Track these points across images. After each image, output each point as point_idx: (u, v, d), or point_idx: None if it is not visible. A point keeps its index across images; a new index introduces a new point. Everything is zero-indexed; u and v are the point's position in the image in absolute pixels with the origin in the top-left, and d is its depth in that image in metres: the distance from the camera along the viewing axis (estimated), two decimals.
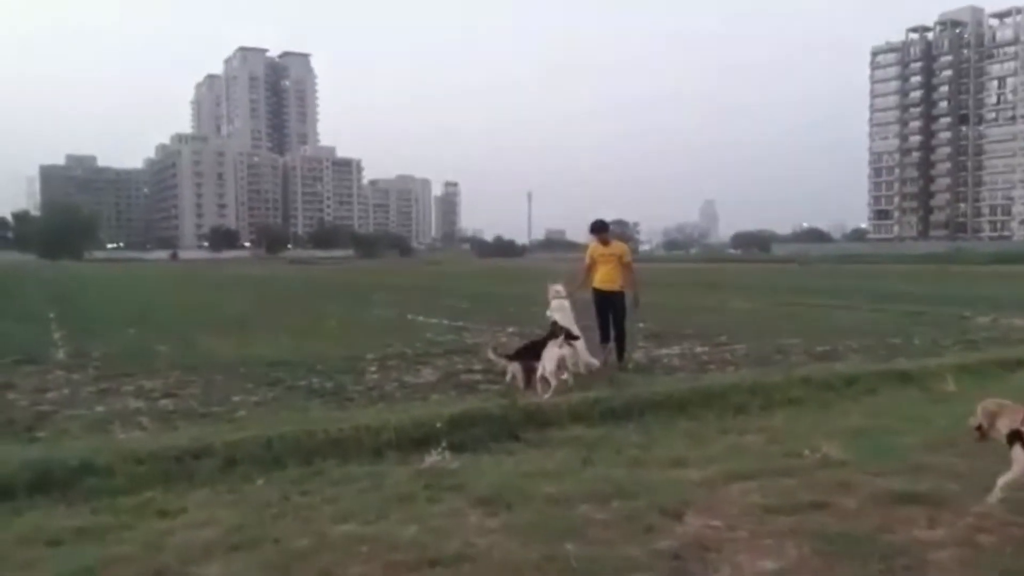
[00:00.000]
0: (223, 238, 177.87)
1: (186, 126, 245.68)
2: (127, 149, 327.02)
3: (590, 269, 10.78)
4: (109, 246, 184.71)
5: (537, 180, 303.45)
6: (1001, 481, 4.60)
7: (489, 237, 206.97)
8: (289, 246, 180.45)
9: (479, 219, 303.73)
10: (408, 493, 5.22)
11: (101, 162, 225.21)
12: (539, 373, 8.46)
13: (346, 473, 5.73)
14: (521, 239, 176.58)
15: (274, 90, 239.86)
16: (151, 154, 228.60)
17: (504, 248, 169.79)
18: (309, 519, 4.78)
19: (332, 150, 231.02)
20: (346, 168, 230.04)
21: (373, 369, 10.72)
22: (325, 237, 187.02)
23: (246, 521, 4.75)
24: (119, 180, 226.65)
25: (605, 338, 10.57)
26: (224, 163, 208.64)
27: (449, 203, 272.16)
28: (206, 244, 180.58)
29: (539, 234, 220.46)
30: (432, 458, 5.87)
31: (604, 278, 10.65)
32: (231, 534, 4.52)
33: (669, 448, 6.33)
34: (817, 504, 4.82)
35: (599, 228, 10.79)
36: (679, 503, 4.88)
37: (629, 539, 4.32)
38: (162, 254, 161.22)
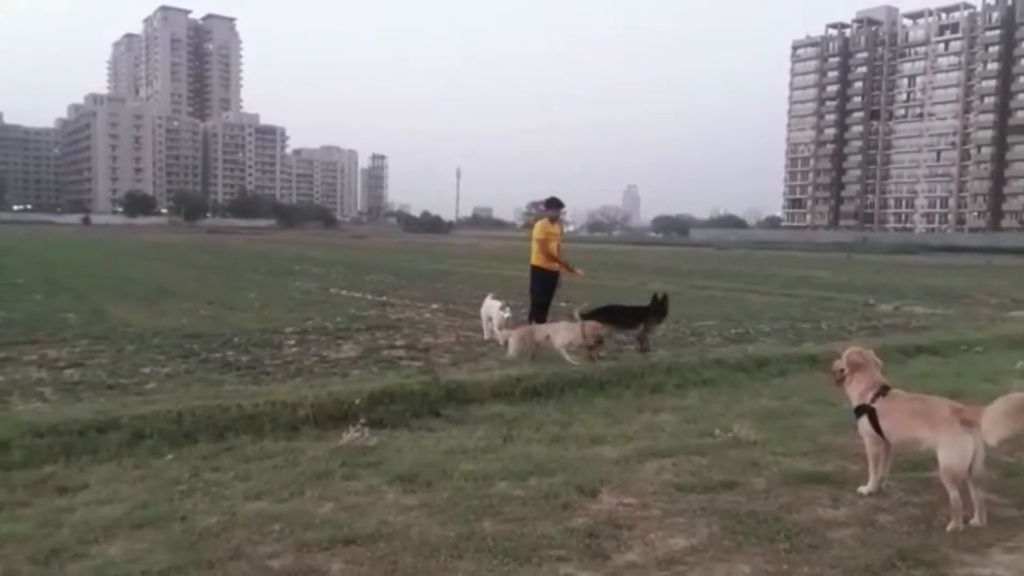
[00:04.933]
0: (139, 203, 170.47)
1: (102, 86, 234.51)
2: (37, 108, 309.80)
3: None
4: (16, 207, 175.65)
5: (466, 158, 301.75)
6: (871, 473, 4.81)
7: (416, 212, 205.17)
8: (208, 214, 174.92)
9: (406, 193, 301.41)
10: (324, 470, 5.13)
11: (8, 120, 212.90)
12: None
13: (260, 449, 5.60)
14: (448, 215, 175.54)
15: (196, 53, 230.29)
16: (63, 114, 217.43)
17: (431, 224, 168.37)
18: (220, 496, 4.65)
19: (255, 117, 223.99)
20: (270, 136, 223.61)
21: (292, 343, 10.50)
22: (246, 206, 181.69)
23: (153, 498, 4.59)
24: (28, 139, 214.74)
25: (537, 315, 10.45)
26: (142, 126, 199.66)
27: (376, 176, 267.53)
28: (120, 209, 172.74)
29: (467, 211, 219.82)
30: (350, 435, 5.78)
31: (552, 258, 10.48)
32: (136, 511, 4.36)
33: (587, 426, 6.42)
34: (727, 483, 4.96)
35: (558, 204, 10.72)
36: (595, 481, 4.95)
37: (545, 516, 4.35)
38: (74, 218, 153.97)
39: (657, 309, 9.96)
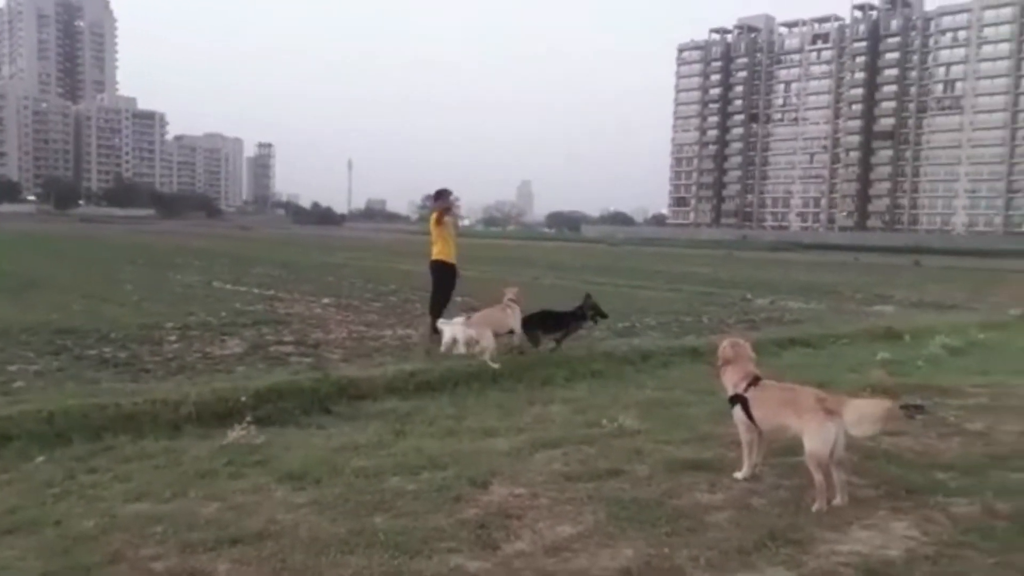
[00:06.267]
0: (2, 191, 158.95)
1: None
2: None
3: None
4: None
5: (358, 149, 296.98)
6: (745, 459, 5.10)
7: (306, 203, 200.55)
8: (81, 202, 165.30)
9: (295, 184, 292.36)
10: (209, 470, 4.99)
11: None
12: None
13: (140, 449, 5.39)
14: (340, 207, 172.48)
15: (67, 31, 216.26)
16: None
17: (322, 215, 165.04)
18: (97, 498, 4.47)
19: (133, 101, 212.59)
20: (148, 121, 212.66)
21: (173, 339, 10.11)
22: (123, 194, 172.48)
23: (22, 502, 4.37)
24: None
25: (439, 313, 9.79)
26: (5, 107, 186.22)
27: (262, 165, 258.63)
28: None
29: (360, 203, 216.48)
30: (236, 433, 5.64)
31: (454, 251, 10.20)
32: (4, 517, 4.14)
33: (480, 419, 6.50)
34: (613, 471, 5.14)
35: (447, 193, 10.37)
36: (487, 472, 5.03)
37: (436, 510, 4.40)
38: None
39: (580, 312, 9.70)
